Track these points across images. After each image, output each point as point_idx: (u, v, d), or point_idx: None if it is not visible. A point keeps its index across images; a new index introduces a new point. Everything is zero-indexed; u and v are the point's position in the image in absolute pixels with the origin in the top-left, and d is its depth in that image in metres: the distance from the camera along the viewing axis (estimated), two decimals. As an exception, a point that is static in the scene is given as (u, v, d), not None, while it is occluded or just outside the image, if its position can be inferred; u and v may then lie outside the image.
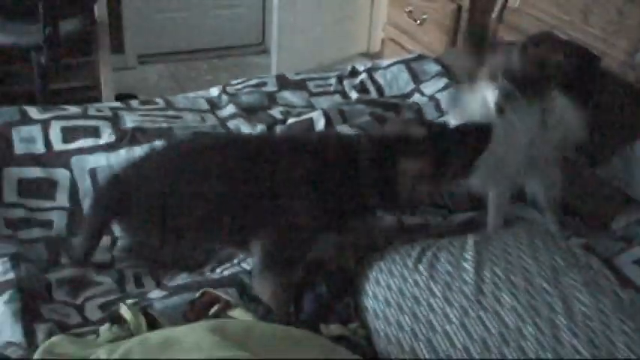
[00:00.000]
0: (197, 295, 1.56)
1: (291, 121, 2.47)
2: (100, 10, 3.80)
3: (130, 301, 1.55)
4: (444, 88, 2.70)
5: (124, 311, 1.47)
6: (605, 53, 2.55)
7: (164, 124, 2.32)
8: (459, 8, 3.49)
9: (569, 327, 1.38)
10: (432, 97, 2.68)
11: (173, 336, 1.20)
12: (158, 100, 2.60)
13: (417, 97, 2.74)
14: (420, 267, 1.59)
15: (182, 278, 1.84)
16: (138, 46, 4.73)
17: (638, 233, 1.92)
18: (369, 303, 1.62)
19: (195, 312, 1.50)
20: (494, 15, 3.12)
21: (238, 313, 1.44)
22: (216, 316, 1.46)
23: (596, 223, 2.07)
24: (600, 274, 1.62)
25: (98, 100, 3.76)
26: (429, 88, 2.76)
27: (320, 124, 2.40)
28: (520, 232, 1.74)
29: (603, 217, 2.07)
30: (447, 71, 2.82)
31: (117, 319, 1.46)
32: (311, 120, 2.43)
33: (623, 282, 1.66)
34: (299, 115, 2.53)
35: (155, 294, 1.72)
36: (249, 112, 2.54)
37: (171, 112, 2.47)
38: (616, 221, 2.04)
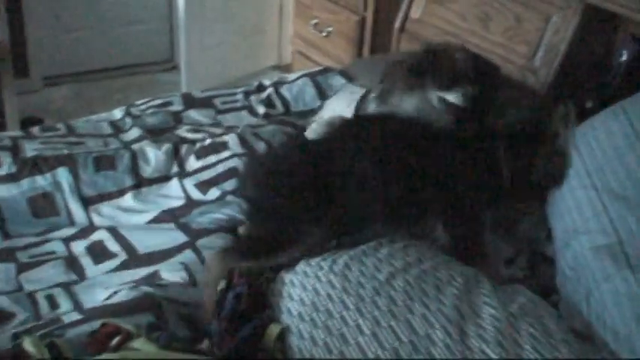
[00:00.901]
0: (98, 326, 1.52)
1: (206, 143, 2.41)
2: (0, 33, 3.69)
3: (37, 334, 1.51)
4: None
5: (27, 345, 1.42)
6: (505, 58, 2.62)
7: (65, 151, 2.27)
8: (363, 20, 3.54)
9: (478, 332, 1.40)
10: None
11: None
12: (59, 125, 2.53)
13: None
14: (333, 279, 1.59)
15: (100, 300, 1.77)
16: (43, 68, 4.58)
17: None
18: (283, 319, 1.61)
19: (96, 344, 1.46)
20: (396, 25, 3.17)
21: (139, 344, 1.41)
22: (117, 347, 1.43)
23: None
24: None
25: (3, 126, 3.65)
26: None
27: (235, 147, 2.37)
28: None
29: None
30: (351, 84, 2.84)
31: (20, 354, 1.42)
32: (225, 143, 2.39)
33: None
34: (207, 133, 2.51)
35: (71, 316, 1.66)
36: (154, 133, 2.50)
37: (72, 139, 2.41)
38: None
